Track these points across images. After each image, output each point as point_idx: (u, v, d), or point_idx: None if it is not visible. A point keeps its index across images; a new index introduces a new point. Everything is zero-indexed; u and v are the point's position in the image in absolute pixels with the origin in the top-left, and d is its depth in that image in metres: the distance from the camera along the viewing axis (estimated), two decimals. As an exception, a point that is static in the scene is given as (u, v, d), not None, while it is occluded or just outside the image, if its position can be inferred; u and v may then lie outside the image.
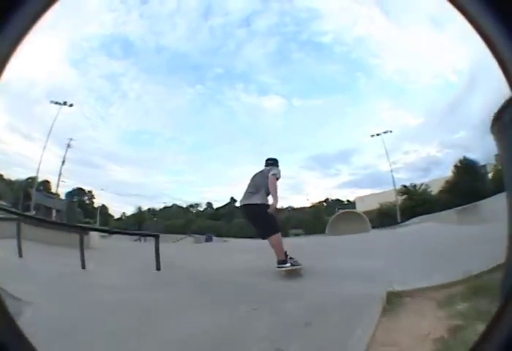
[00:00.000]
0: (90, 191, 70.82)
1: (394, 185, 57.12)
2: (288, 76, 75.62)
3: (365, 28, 69.12)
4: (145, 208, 73.62)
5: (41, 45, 45.13)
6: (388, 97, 68.59)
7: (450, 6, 1.20)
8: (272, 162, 9.52)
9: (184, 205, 78.00)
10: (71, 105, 46.73)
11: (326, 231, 43.27)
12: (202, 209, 77.93)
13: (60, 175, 46.28)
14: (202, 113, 76.57)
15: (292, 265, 8.02)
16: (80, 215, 66.41)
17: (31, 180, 58.12)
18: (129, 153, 78.88)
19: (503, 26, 1.08)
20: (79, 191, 73.22)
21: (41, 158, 46.52)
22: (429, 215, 38.04)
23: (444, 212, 34.11)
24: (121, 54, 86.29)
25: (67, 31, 69.90)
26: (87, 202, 70.82)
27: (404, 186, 58.17)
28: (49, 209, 49.31)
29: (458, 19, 1.18)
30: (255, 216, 8.84)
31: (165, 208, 76.91)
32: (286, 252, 8.16)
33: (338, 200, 70.19)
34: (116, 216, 75.44)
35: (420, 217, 39.91)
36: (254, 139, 79.45)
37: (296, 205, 71.20)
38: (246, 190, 9.13)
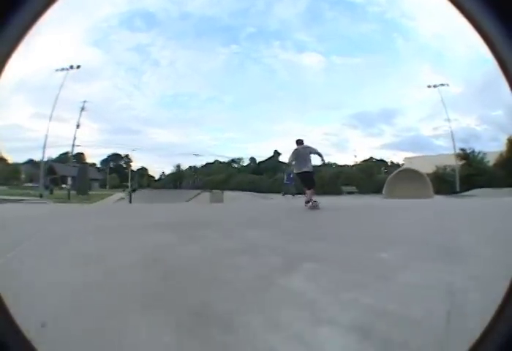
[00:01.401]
0: (127, 156, 70.90)
1: (454, 148, 52.51)
2: (324, 34, 75.35)
3: (397, -14, 67.99)
4: (186, 166, 72.59)
5: (59, 36, 45.39)
6: (427, 61, 67.63)
7: (450, 6, 1.20)
8: (302, 142, 15.20)
9: (226, 161, 76.16)
10: (78, 67, 46.30)
11: (383, 192, 38.06)
12: (245, 164, 75.82)
13: (74, 139, 45.69)
14: (240, 72, 76.31)
15: (312, 204, 14.41)
16: (115, 179, 67.36)
17: (64, 156, 59.46)
18: (168, 116, 79.43)
19: (503, 26, 1.08)
20: (115, 157, 73.97)
21: (74, 135, 46.22)
22: (492, 189, 35.91)
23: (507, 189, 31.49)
24: (144, 27, 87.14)
25: (82, 18, 70.20)
26: (124, 166, 70.65)
27: (463, 150, 53.94)
28: (64, 177, 49.67)
29: (458, 19, 1.19)
30: (309, 178, 14.86)
31: (207, 164, 75.60)
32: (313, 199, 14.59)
33: (382, 160, 67.04)
34: (157, 176, 75.57)
35: (482, 189, 37.75)
36: (295, 96, 79.23)
37: (340, 162, 68.60)
38: (300, 162, 14.64)
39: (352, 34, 73.32)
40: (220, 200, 33.89)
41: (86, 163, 50.55)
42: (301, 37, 79.61)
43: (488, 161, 50.74)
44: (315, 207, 14.19)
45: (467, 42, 66.93)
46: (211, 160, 74.86)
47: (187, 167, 72.66)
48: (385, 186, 38.25)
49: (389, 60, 72.31)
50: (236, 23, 77.76)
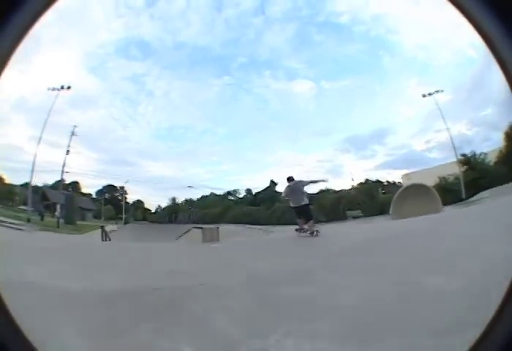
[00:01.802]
0: (122, 187, 70.85)
1: (456, 154, 49.74)
2: (313, 59, 74.61)
3: (380, 5, 68.14)
4: (182, 199, 72.60)
5: (55, 59, 45.04)
6: (414, 74, 67.52)
7: (450, 6, 1.20)
8: (293, 178, 15.25)
9: (222, 193, 76.11)
10: (69, 87, 45.87)
11: (391, 211, 34.80)
12: (241, 196, 75.61)
13: (64, 165, 45.28)
14: (233, 103, 75.47)
15: (311, 233, 14.24)
16: (111, 211, 67.32)
17: (59, 183, 59.69)
18: (163, 149, 78.46)
19: (503, 26, 1.08)
20: (110, 188, 73.79)
21: (64, 161, 45.93)
22: (497, 188, 31.98)
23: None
24: (139, 55, 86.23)
25: (79, 43, 70.52)
26: (119, 197, 70.68)
27: (463, 156, 51.46)
28: (54, 204, 49.24)
29: (458, 18, 1.19)
30: (306, 211, 14.86)
31: (202, 197, 75.42)
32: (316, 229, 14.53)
33: (378, 181, 66.24)
34: (153, 209, 75.65)
35: (489, 190, 36.01)
36: (287, 125, 78.66)
37: (336, 188, 67.89)
38: (294, 197, 14.93)
39: (339, 57, 72.98)
40: (215, 239, 23.31)
41: (72, 192, 49.37)
42: (291, 64, 78.97)
43: (489, 162, 50.18)
44: (316, 235, 14.32)
45: (452, 46, 67.51)
46: (207, 193, 74.87)
47: (183, 200, 72.25)
48: (392, 205, 35.70)
49: (376, 78, 72.20)
50: (228, 52, 77.18)
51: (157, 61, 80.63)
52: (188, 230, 39.22)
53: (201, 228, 30.27)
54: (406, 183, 51.84)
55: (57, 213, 47.04)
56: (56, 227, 38.48)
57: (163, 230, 46.78)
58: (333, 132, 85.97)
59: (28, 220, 37.37)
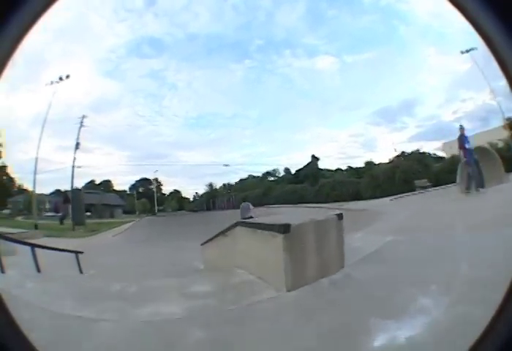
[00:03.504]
0: (156, 179, 70.73)
1: (503, 116, 45.99)
2: (330, 34, 73.75)
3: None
4: (219, 184, 71.18)
5: (68, 69, 45.03)
6: (431, 43, 66.60)
7: (450, 6, 1.20)
8: None
9: (260, 175, 74.02)
10: (67, 76, 45.33)
11: (458, 180, 29.27)
12: (280, 175, 73.38)
13: (74, 159, 44.76)
14: (258, 85, 74.87)
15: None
16: (146, 204, 67.25)
17: (90, 184, 60.39)
18: (195, 137, 78.20)
19: (503, 26, 1.07)
20: (144, 182, 73.93)
21: (74, 156, 45.34)
22: None
23: None
24: (153, 53, 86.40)
25: (87, 52, 71.16)
26: (154, 190, 70.48)
27: (509, 120, 48.50)
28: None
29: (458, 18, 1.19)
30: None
31: (241, 180, 73.83)
32: None
33: (414, 153, 62.43)
34: (191, 198, 75.00)
35: None
36: (316, 101, 77.91)
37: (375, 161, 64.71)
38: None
39: (355, 30, 72.38)
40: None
41: (78, 188, 48.56)
42: (309, 41, 78.74)
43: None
44: None
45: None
46: (244, 176, 73.47)
47: (221, 185, 70.90)
48: (459, 173, 30.01)
49: (396, 49, 71.33)
50: (243, 37, 76.84)
51: (173, 55, 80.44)
52: (230, 227, 10.17)
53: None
54: (447, 152, 48.42)
55: (61, 214, 47.19)
56: (72, 230, 37.75)
57: (198, 222, 32.62)
58: (362, 106, 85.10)
59: (36, 226, 36.92)
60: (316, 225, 6.67)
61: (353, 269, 6.39)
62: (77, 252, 13.59)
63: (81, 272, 13.19)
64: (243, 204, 30.99)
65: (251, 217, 26.08)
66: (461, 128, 18.54)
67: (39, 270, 10.00)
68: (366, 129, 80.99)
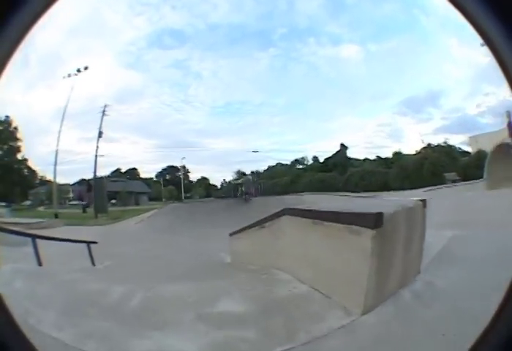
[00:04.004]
0: (183, 167, 71.47)
1: None
2: (352, 22, 74.00)
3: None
4: (248, 172, 71.25)
5: (88, 63, 45.47)
6: (453, 34, 66.27)
7: (450, 6, 1.20)
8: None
9: (289, 163, 74.01)
10: (86, 68, 45.79)
11: (485, 176, 29.71)
12: (308, 164, 73.25)
13: (97, 148, 45.13)
14: (285, 73, 75.44)
15: None
16: (173, 191, 68.11)
17: (115, 173, 61.68)
18: (222, 125, 79.64)
19: (503, 26, 1.07)
20: (171, 169, 74.89)
21: (97, 144, 45.66)
22: None
23: None
24: (174, 43, 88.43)
25: (105, 47, 72.42)
26: (181, 177, 71.07)
27: None
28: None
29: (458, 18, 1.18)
30: None
31: (269, 168, 73.94)
32: None
33: (440, 146, 61.06)
34: (219, 185, 75.50)
35: None
36: (342, 90, 78.30)
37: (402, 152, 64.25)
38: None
39: (376, 18, 72.09)
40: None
41: (101, 176, 48.71)
42: (332, 29, 78.79)
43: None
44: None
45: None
46: (273, 163, 73.41)
47: (249, 172, 70.73)
48: (487, 168, 30.60)
49: (418, 38, 70.60)
50: (265, 26, 77.18)
51: (195, 45, 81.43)
52: (272, 217, 7.19)
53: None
54: (474, 146, 48.58)
55: (85, 203, 47.95)
56: (94, 218, 37.88)
57: (219, 209, 30.77)
58: (389, 95, 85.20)
59: (56, 216, 37.27)
60: (407, 215, 4.94)
61: (431, 274, 5.08)
62: (89, 242, 12.70)
63: (93, 264, 12.20)
64: (245, 177, 33.34)
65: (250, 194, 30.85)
66: (509, 115, 17.83)
67: (40, 264, 8.76)
68: (393, 118, 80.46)
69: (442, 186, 31.70)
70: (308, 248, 5.10)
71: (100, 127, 45.31)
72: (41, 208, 51.04)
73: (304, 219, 5.27)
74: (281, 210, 6.42)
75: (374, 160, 61.74)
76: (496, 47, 1.15)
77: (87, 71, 43.67)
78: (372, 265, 3.88)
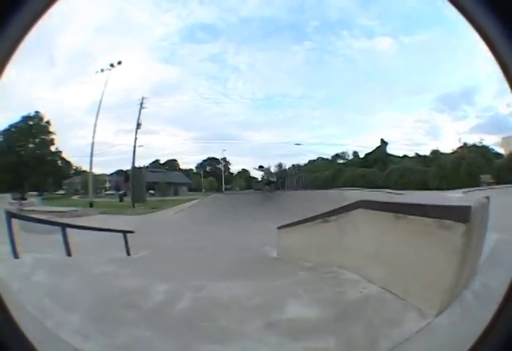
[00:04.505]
0: (224, 159, 72.39)
1: None
2: (382, 15, 72.62)
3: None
4: (288, 165, 71.55)
5: (124, 63, 46.11)
6: None
7: (450, 6, 1.20)
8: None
9: (330, 157, 73.89)
10: (119, 63, 46.16)
11: None
12: (349, 158, 72.94)
13: (135, 139, 45.64)
14: (322, 66, 74.68)
15: None
16: (213, 182, 69.29)
17: (154, 164, 63.28)
18: (263, 118, 79.85)
19: (503, 26, 1.07)
20: (211, 161, 76.08)
21: (135, 136, 46.25)
22: None
23: None
24: (208, 38, 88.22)
25: (138, 43, 73.20)
26: (221, 169, 72.07)
27: None
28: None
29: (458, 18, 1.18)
30: None
31: (310, 161, 74.01)
32: None
33: (475, 146, 58.13)
34: (259, 177, 76.20)
35: None
36: (379, 84, 77.40)
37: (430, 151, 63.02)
38: None
39: (406, 10, 70.57)
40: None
41: (140, 167, 49.17)
42: (364, 22, 77.41)
43: None
44: None
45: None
46: (313, 157, 73.21)
47: (290, 165, 70.72)
48: None
49: (448, 32, 69.03)
50: (297, 19, 76.37)
51: (229, 39, 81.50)
52: (342, 209, 6.06)
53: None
54: (506, 148, 47.54)
55: (121, 192, 48.80)
56: (131, 207, 38.21)
57: (261, 201, 28.41)
58: (425, 90, 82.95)
59: (91, 204, 37.77)
60: (482, 211, 4.41)
61: (485, 275, 4.44)
62: (125, 232, 11.96)
63: (128, 254, 11.50)
64: (265, 169, 31.18)
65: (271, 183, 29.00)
66: None
67: (69, 254, 8.14)
68: (431, 115, 78.68)
69: (477, 188, 30.25)
70: (383, 245, 4.54)
71: (138, 119, 45.65)
72: (75, 197, 51.76)
73: (383, 213, 4.65)
74: (354, 203, 5.61)
75: (412, 157, 60.69)
76: (496, 47, 1.16)
77: (120, 66, 43.97)
78: (457, 262, 3.54)
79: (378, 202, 5.15)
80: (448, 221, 3.52)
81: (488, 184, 34.38)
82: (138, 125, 45.20)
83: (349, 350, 3.10)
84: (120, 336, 3.38)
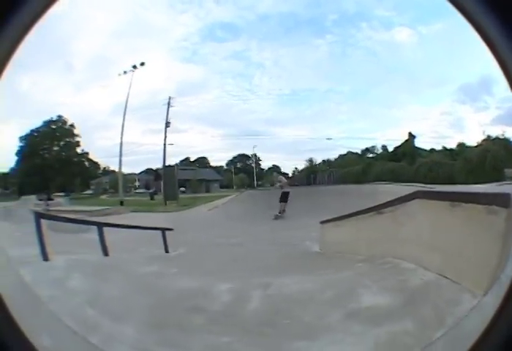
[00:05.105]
0: (254, 155, 72.99)
1: None
2: (398, 5, 71.96)
3: None
4: (319, 160, 71.55)
5: (148, 62, 46.71)
6: None
7: (450, 7, 1.23)
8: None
9: (359, 152, 73.47)
10: (142, 64, 46.33)
11: None
12: (378, 152, 72.48)
13: (165, 137, 46.15)
14: (345, 59, 74.09)
15: None
16: (244, 179, 70.08)
17: (184, 162, 64.40)
18: (291, 114, 79.95)
19: (503, 26, 1.08)
20: (241, 158, 76.88)
21: (165, 134, 47.03)
22: None
23: None
24: (229, 36, 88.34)
25: (158, 44, 74.17)
26: (252, 165, 72.85)
27: None
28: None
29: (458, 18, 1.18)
30: None
31: (340, 156, 73.89)
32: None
33: (498, 138, 55.63)
34: (290, 173, 76.26)
35: None
36: (403, 76, 76.69)
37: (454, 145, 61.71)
38: None
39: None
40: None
41: (171, 165, 49.37)
42: (381, 13, 76.55)
43: None
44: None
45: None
46: (343, 152, 72.86)
47: (320, 161, 70.62)
48: None
49: (463, 21, 68.12)
50: (315, 13, 75.45)
51: (251, 36, 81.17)
52: (397, 201, 6.16)
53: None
54: None
55: (152, 190, 49.44)
56: (163, 205, 38.32)
57: (296, 196, 23.80)
58: (447, 81, 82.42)
59: (121, 203, 38.08)
60: None
61: None
62: (164, 229, 11.52)
63: (167, 251, 10.94)
64: (279, 177, 24.75)
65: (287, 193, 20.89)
66: None
67: (106, 254, 7.77)
68: (453, 107, 77.31)
69: (503, 182, 29.09)
70: (438, 233, 4.80)
71: (167, 117, 46.09)
72: (103, 197, 52.92)
73: (440, 202, 4.91)
74: (412, 194, 5.78)
75: (439, 151, 59.62)
76: (496, 47, 1.16)
77: (143, 67, 44.36)
78: (499, 246, 3.78)
79: (435, 191, 5.76)
80: (495, 207, 3.76)
81: (511, 178, 32.74)
82: (167, 123, 45.51)
83: (424, 329, 3.26)
84: (193, 346, 3.26)
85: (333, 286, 4.55)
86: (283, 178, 22.35)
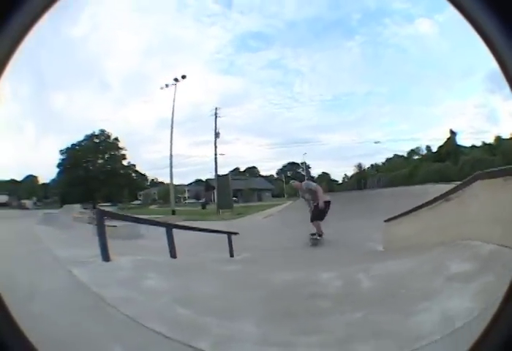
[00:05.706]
0: (303, 163, 73.46)
1: None
2: None
3: None
4: (368, 165, 71.58)
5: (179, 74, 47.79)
6: None
7: (450, 6, 1.23)
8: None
9: (405, 154, 73.30)
10: (183, 77, 47.03)
11: None
12: (423, 153, 72.11)
13: (215, 148, 47.03)
14: (379, 59, 74.15)
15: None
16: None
17: (234, 172, 66.00)
18: (335, 120, 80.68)
19: (503, 26, 1.08)
20: (291, 166, 77.62)
21: (215, 144, 47.98)
22: None
23: None
24: (261, 45, 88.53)
25: (192, 58, 75.39)
26: (302, 173, 73.57)
27: None
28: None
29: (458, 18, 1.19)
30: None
31: (387, 160, 73.75)
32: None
33: None
34: (340, 180, 76.63)
35: None
36: (435, 71, 75.49)
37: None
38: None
39: None
40: None
41: (225, 174, 50.25)
42: (399, 6, 75.91)
43: None
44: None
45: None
46: (390, 155, 72.43)
47: (368, 165, 70.48)
48: None
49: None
50: (338, 14, 75.15)
51: (283, 44, 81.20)
52: (464, 185, 6.87)
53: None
54: None
55: (203, 201, 50.16)
56: (216, 214, 38.65)
57: (346, 203, 22.83)
58: (474, 70, 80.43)
59: (173, 212, 38.97)
60: None
61: None
62: (230, 233, 11.95)
63: (231, 255, 11.25)
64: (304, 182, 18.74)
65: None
66: None
67: (174, 256, 7.66)
68: (485, 97, 74.91)
69: None
70: (498, 208, 5.25)
71: (216, 128, 46.90)
72: (152, 207, 54.78)
73: (495, 179, 5.47)
74: (473, 176, 6.38)
75: (479, 147, 57.93)
76: (496, 47, 1.16)
77: (185, 80, 45.18)
78: None
79: (492, 171, 5.91)
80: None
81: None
82: (217, 133, 46.40)
83: (501, 279, 3.25)
84: (335, 327, 3.44)
85: (424, 263, 5.25)
86: (312, 184, 16.52)
